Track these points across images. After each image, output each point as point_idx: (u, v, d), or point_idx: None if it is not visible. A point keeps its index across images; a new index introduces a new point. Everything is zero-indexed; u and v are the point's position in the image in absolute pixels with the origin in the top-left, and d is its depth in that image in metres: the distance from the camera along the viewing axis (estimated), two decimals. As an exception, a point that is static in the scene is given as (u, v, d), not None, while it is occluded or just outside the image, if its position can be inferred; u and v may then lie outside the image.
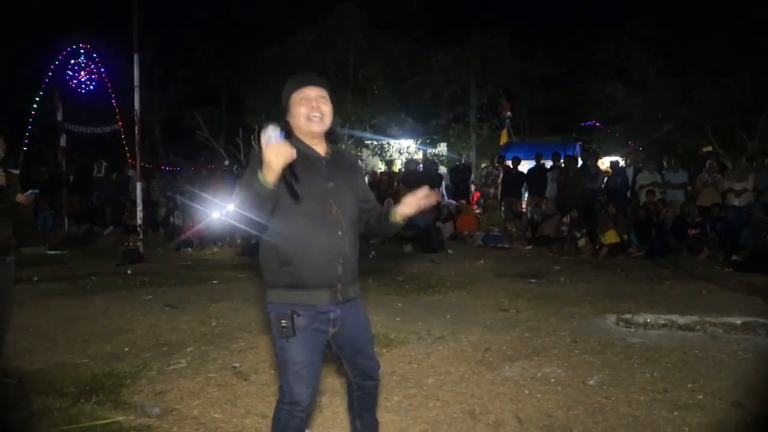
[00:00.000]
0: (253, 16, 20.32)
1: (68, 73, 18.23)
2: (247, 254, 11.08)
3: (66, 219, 14.81)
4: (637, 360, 4.87)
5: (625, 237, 11.25)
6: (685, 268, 9.49)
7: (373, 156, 18.83)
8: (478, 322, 6.15)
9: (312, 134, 2.69)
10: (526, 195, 14.65)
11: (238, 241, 12.42)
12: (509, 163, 14.52)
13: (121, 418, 3.80)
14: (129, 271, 9.64)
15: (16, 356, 4.90)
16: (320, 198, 2.63)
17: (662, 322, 6.21)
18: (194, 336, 5.76)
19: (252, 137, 16.59)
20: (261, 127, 2.41)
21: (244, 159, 16.74)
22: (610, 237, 11.03)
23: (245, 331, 5.84)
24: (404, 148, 19.45)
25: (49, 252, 12.37)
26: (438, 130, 20.51)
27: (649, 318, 6.32)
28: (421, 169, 15.87)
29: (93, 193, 16.40)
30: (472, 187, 16.80)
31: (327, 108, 2.71)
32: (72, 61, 18.26)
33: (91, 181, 16.70)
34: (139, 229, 11.57)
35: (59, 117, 15.28)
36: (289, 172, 2.42)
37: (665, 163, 13.33)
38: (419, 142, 19.81)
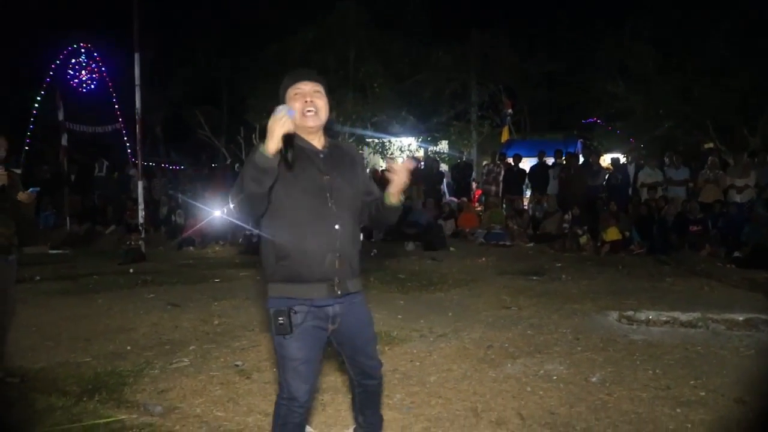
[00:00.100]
0: (253, 16, 20.32)
1: (69, 73, 18.21)
2: (248, 252, 11.09)
3: (68, 218, 14.83)
4: (639, 357, 4.87)
5: (627, 234, 11.23)
6: (686, 264, 9.49)
7: (374, 154, 18.81)
8: (480, 320, 6.15)
9: (308, 129, 2.69)
10: (528, 192, 14.64)
11: (240, 239, 12.43)
12: (510, 160, 14.51)
13: (123, 417, 3.81)
14: (131, 270, 9.65)
15: (18, 355, 4.90)
16: (316, 191, 2.63)
17: (664, 318, 6.20)
18: (196, 334, 5.76)
19: (253, 136, 16.60)
20: (271, 109, 2.47)
21: (245, 158, 16.76)
22: (612, 234, 11.02)
23: (247, 330, 5.84)
24: (405, 146, 19.45)
25: (51, 251, 12.39)
26: (439, 127, 20.49)
27: (651, 315, 6.31)
28: (422, 167, 15.86)
29: (95, 192, 16.42)
30: (474, 185, 16.78)
31: (321, 102, 2.71)
32: (73, 61, 18.25)
33: (92, 181, 16.72)
34: (140, 228, 11.58)
35: (60, 116, 15.28)
36: (287, 141, 2.46)
37: (667, 159, 13.31)
38: (420, 139, 19.80)
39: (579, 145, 17.91)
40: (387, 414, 3.51)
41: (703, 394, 4.09)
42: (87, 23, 19.91)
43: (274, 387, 4.15)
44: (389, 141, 19.09)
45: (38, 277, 8.83)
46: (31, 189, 4.53)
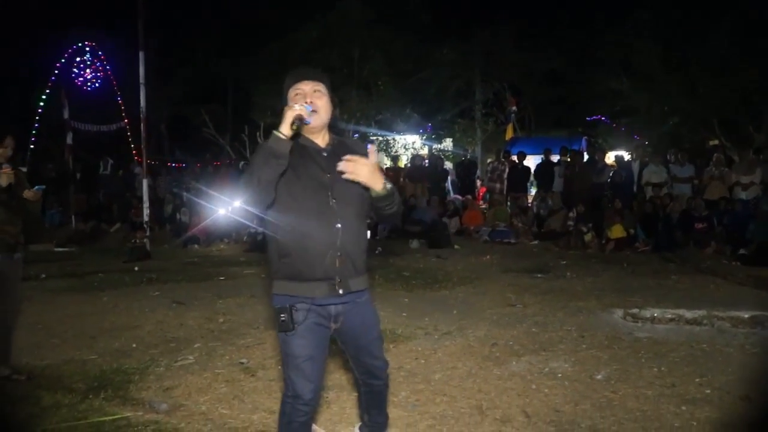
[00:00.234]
0: (253, 16, 20.32)
1: (74, 71, 18.25)
2: (253, 250, 11.11)
3: (73, 216, 14.89)
4: (644, 354, 4.86)
5: (632, 231, 11.22)
6: (692, 262, 9.47)
7: (378, 151, 18.79)
8: (484, 318, 6.15)
9: (309, 128, 2.67)
10: (533, 190, 14.63)
11: (245, 237, 12.45)
12: (515, 157, 14.49)
13: (129, 414, 3.82)
14: (136, 268, 9.68)
15: (24, 352, 4.92)
16: (317, 190, 2.63)
17: (669, 316, 6.19)
18: (201, 332, 5.78)
19: (258, 133, 16.62)
20: (280, 111, 2.54)
21: (250, 156, 16.74)
22: (617, 231, 11.01)
23: (252, 327, 5.85)
24: (410, 144, 19.45)
25: (56, 249, 12.44)
26: (443, 125, 20.50)
27: (657, 312, 6.30)
28: (426, 165, 15.86)
29: (100, 191, 16.47)
30: (478, 183, 16.79)
31: (322, 102, 2.69)
32: (77, 59, 18.29)
33: (97, 179, 16.76)
34: (145, 226, 11.61)
35: (65, 115, 15.35)
36: (298, 120, 2.51)
37: (672, 156, 13.28)
38: (425, 137, 19.78)
39: (583, 143, 17.88)
40: (392, 411, 3.52)
41: (708, 391, 4.08)
42: (91, 21, 19.95)
43: (279, 384, 4.16)
44: (393, 138, 19.10)
45: (44, 275, 8.86)
46: (37, 187, 4.54)
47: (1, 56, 19.09)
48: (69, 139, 15.40)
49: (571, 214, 12.22)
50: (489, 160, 17.52)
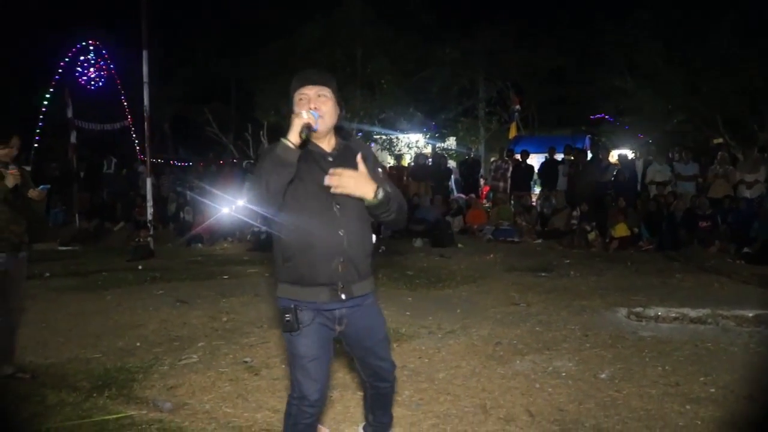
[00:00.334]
0: (253, 16, 20.34)
1: (78, 70, 18.29)
2: (257, 249, 11.11)
3: (77, 215, 14.89)
4: (648, 353, 4.86)
5: (636, 230, 11.20)
6: (696, 260, 9.45)
7: (381, 150, 18.82)
8: (488, 317, 6.14)
9: (314, 134, 2.62)
10: (536, 188, 14.60)
11: (248, 236, 12.46)
12: (518, 156, 14.47)
13: (133, 413, 3.83)
14: (140, 267, 9.68)
15: (29, 351, 4.94)
16: (321, 195, 2.59)
17: (673, 315, 6.18)
18: (205, 331, 5.78)
19: (261, 133, 16.65)
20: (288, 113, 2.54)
21: (254, 154, 16.76)
22: (621, 230, 10.99)
23: (256, 326, 5.86)
24: (413, 143, 19.43)
25: (60, 248, 12.45)
26: (447, 124, 20.48)
27: (661, 311, 6.29)
28: (430, 164, 15.85)
29: (103, 189, 16.49)
30: (482, 181, 16.77)
31: (327, 107, 2.63)
32: (81, 58, 18.32)
33: (101, 178, 16.78)
34: (149, 224, 11.61)
35: (69, 114, 15.35)
36: (306, 129, 2.49)
37: (676, 155, 13.24)
38: (428, 136, 19.78)
39: (587, 141, 17.86)
40: (396, 410, 3.51)
41: (712, 390, 4.07)
42: (95, 20, 20.00)
43: (283, 384, 4.16)
44: (397, 137, 19.09)
45: (48, 274, 8.87)
46: (41, 186, 4.55)
47: (2, 55, 19.12)
48: (73, 138, 15.41)
49: (574, 213, 12.20)
50: (492, 159, 17.51)
